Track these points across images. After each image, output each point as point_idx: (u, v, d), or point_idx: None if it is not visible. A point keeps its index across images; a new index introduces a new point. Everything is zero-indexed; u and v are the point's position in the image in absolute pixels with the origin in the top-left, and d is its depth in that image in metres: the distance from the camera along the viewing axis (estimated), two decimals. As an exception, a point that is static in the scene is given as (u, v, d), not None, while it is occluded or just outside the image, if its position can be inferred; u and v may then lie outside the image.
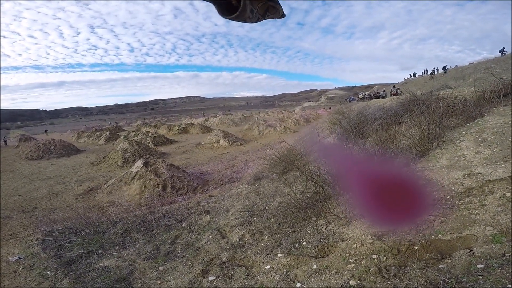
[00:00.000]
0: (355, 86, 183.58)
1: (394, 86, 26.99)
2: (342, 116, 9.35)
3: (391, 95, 19.81)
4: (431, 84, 20.14)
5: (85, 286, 3.01)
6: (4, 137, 27.21)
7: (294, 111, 46.17)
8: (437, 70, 29.30)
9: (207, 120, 38.33)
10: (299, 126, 24.94)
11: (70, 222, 4.84)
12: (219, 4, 0.70)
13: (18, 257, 3.84)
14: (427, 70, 37.28)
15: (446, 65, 26.54)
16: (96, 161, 13.48)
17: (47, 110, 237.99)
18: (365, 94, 29.31)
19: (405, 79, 40.73)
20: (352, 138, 5.45)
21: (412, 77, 40.32)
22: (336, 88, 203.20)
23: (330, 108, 40.04)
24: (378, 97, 20.18)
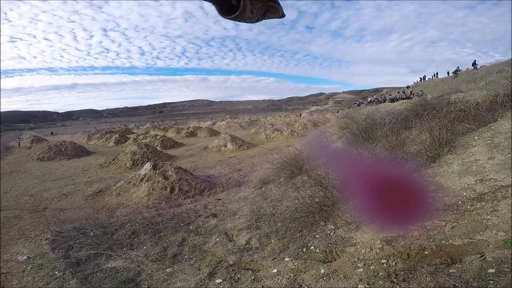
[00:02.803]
0: (363, 90, 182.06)
1: (408, 87, 26.17)
2: (351, 121, 9.29)
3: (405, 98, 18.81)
4: (442, 87, 19.77)
5: (92, 286, 3.04)
6: (18, 138, 28.01)
7: (300, 115, 45.94)
8: (458, 70, 28.42)
9: (214, 124, 38.43)
10: (307, 130, 24.78)
11: (79, 222, 4.90)
12: (219, 4, 0.70)
13: (27, 256, 3.89)
14: (437, 73, 36.73)
15: (475, 60, 26.17)
16: (106, 163, 13.66)
17: (59, 112, 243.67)
18: (373, 97, 28.84)
19: (414, 82, 40.26)
20: (361, 143, 5.40)
21: (422, 80, 39.78)
22: (344, 92, 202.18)
23: (338, 112, 39.74)
24: (393, 100, 18.87)
